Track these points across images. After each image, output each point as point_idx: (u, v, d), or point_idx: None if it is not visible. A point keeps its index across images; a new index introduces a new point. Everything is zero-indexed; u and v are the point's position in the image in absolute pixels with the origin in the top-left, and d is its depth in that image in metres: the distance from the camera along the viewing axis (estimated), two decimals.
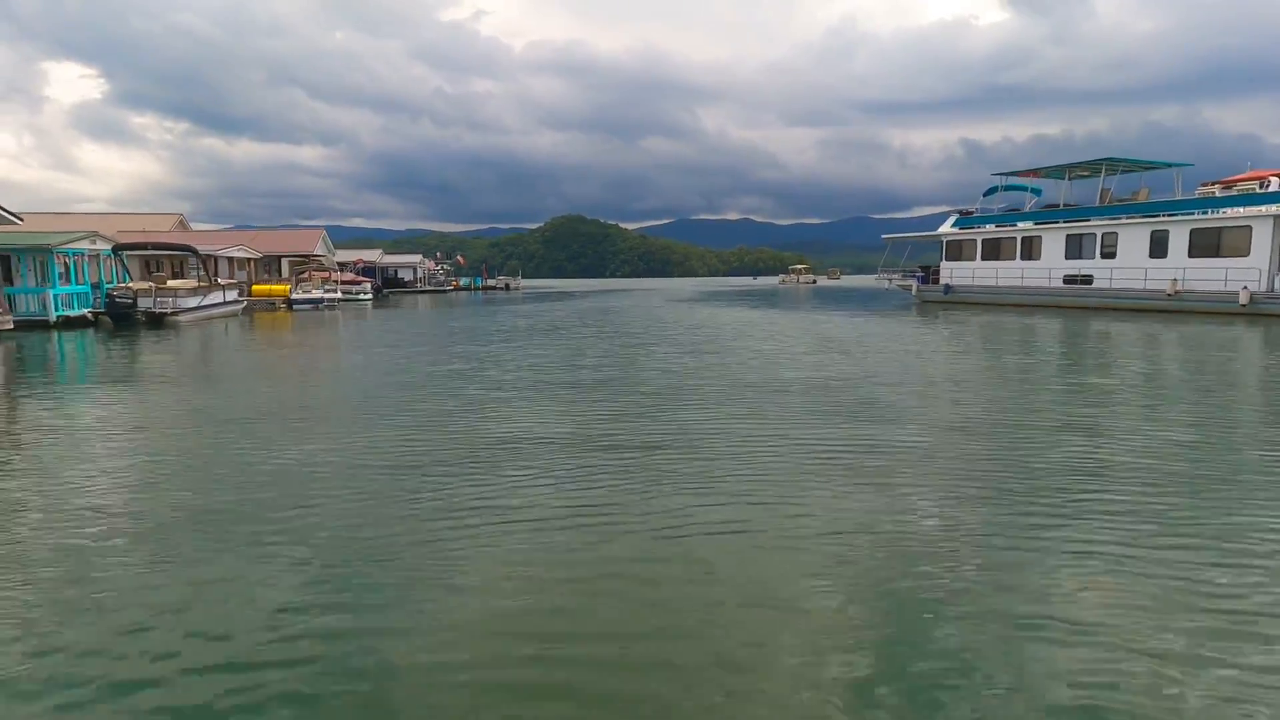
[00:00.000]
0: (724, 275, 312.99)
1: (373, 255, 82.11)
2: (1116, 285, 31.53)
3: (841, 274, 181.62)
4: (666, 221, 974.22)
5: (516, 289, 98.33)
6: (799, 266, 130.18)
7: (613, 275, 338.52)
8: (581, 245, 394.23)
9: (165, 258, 41.06)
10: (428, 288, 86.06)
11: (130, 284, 28.66)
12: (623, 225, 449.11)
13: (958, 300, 39.53)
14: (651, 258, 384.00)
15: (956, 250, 40.44)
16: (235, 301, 34.87)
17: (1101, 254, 32.58)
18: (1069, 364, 15.59)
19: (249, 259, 47.34)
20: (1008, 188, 40.32)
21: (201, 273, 33.15)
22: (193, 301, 29.73)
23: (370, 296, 58.00)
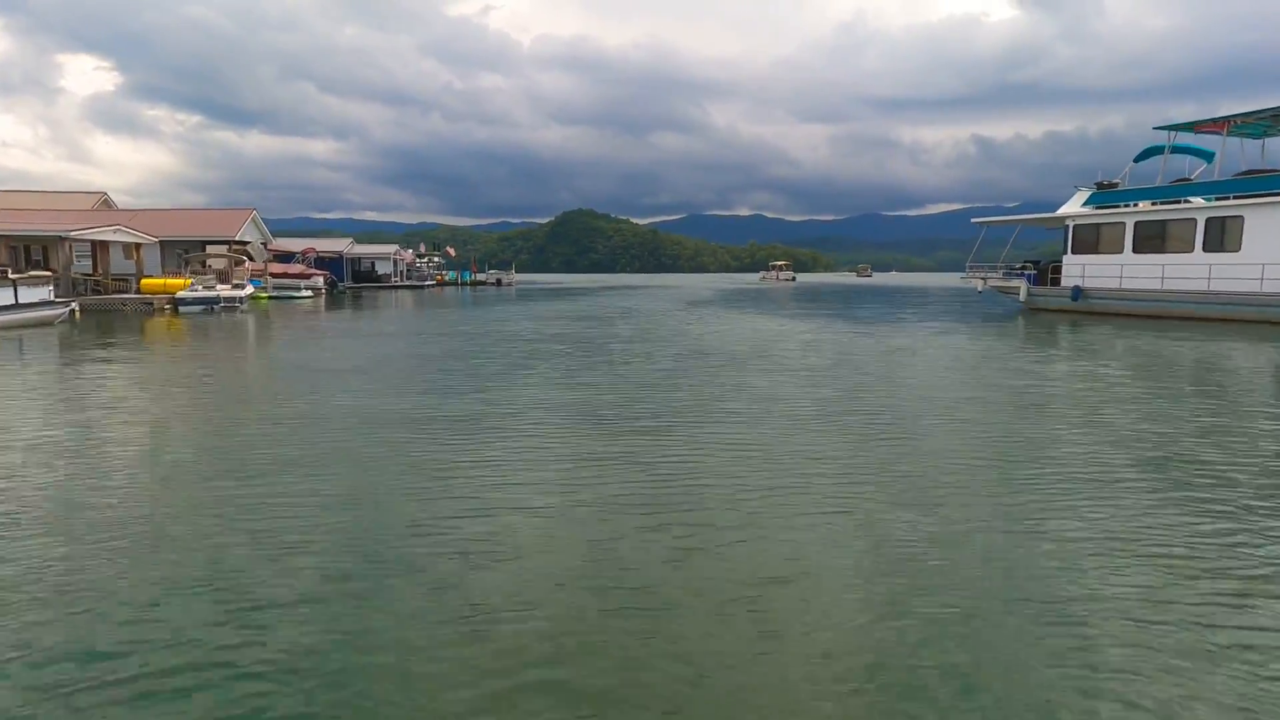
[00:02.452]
0: (736, 271, 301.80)
1: (340, 245, 71.14)
2: None
3: (871, 271, 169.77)
4: (678, 217, 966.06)
5: (509, 285, 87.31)
6: (779, 263, 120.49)
7: (623, 270, 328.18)
8: (591, 240, 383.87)
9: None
10: (405, 283, 75.02)
11: None
12: (634, 220, 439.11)
13: (1093, 309, 27.97)
14: (662, 253, 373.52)
15: (1091, 238, 28.80)
16: (41, 305, 23.49)
17: None
18: None
19: (135, 244, 36.17)
20: (1179, 149, 28.46)
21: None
22: None
23: (312, 294, 46.96)
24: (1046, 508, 5.45)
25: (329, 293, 54.15)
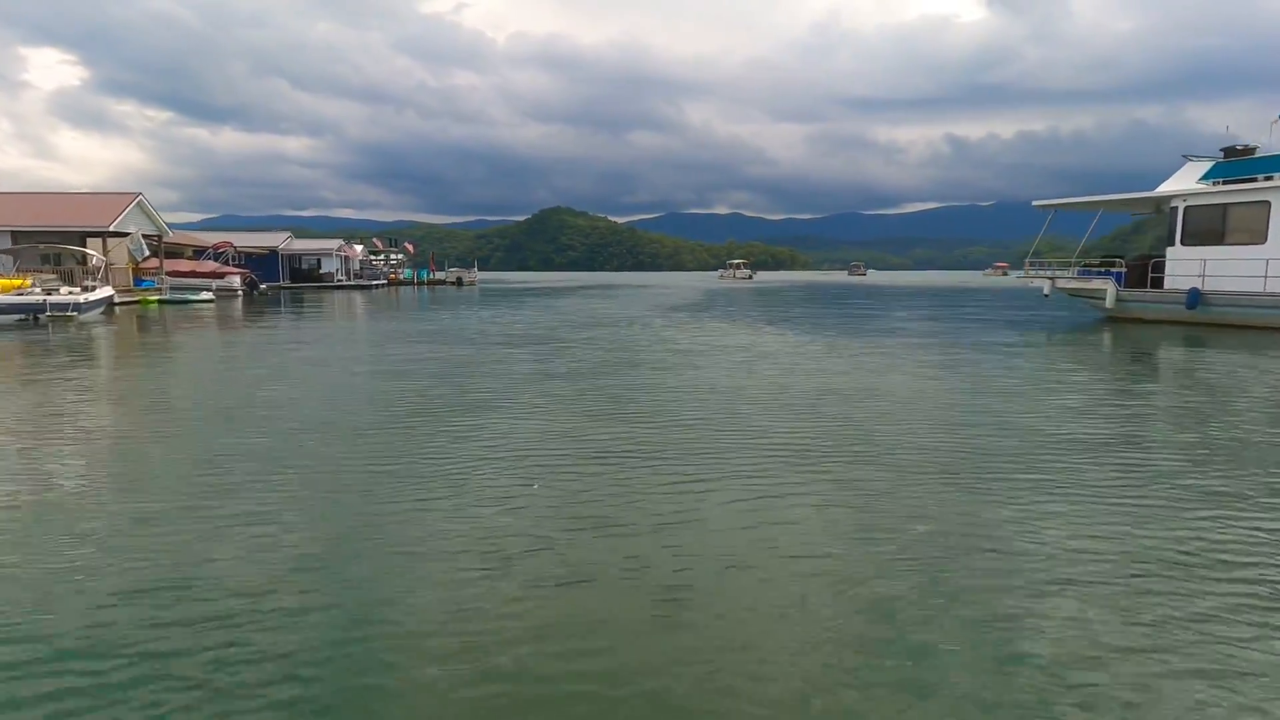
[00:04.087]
0: (715, 269, 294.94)
1: (275, 240, 62.69)
2: None
3: (866, 269, 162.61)
4: (657, 215, 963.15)
5: (471, 284, 79.05)
6: (736, 261, 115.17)
7: (602, 268, 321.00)
8: (569, 238, 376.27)
9: None
10: (351, 282, 66.68)
11: None
12: (611, 218, 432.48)
13: (1217, 320, 20.73)
14: (641, 251, 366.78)
15: (1213, 223, 21.53)
16: None
17: None
18: None
19: None
20: None
21: None
22: None
23: (213, 297, 38.75)
24: None
25: (248, 294, 45.96)
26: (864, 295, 49.85)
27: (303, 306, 36.11)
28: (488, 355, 14.93)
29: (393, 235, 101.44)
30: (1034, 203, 26.65)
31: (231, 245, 50.34)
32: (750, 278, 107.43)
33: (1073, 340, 18.49)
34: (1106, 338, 18.91)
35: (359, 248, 74.06)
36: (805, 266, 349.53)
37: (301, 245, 65.38)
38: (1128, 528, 4.88)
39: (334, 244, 67.08)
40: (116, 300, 34.11)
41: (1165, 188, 22.84)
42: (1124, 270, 23.99)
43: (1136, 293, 23.28)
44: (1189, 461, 6.58)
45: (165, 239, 40.82)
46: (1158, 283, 22.92)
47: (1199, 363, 13.87)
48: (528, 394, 10.12)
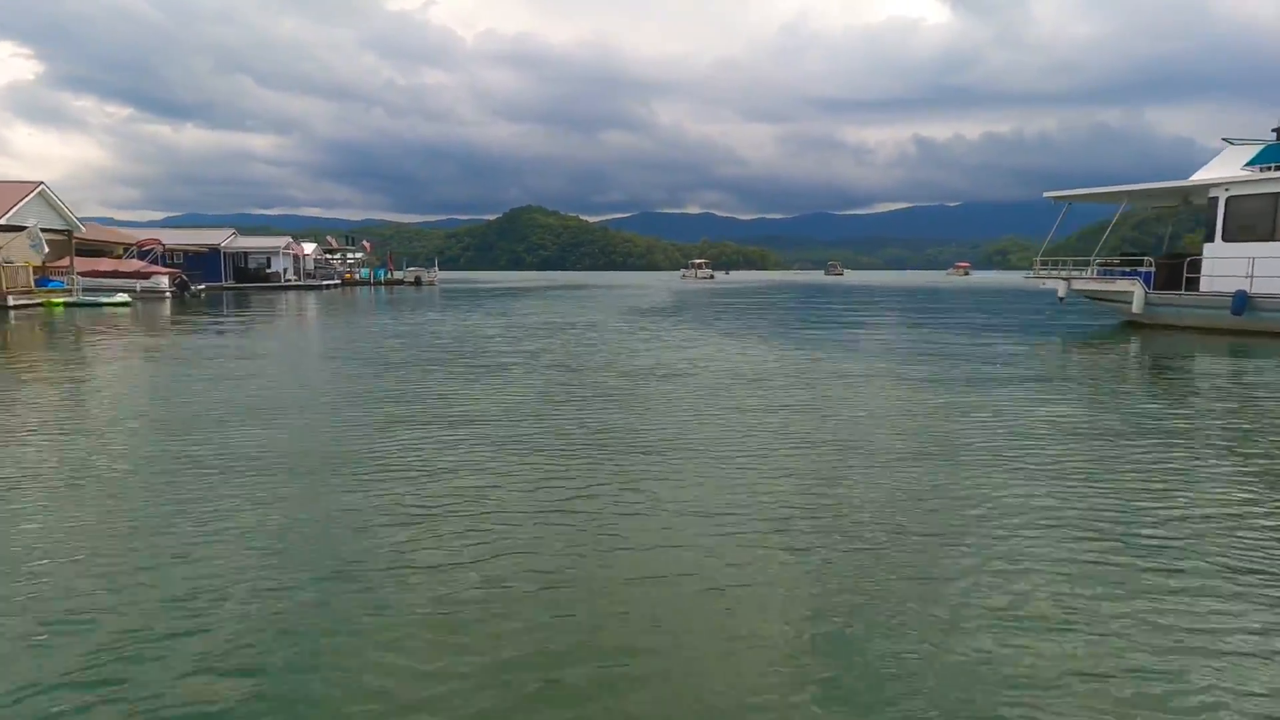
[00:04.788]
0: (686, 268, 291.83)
1: (217, 237, 58.29)
2: None
3: (843, 269, 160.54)
4: (629, 215, 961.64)
5: (430, 284, 75.06)
6: (698, 261, 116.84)
7: (574, 268, 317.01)
8: (540, 237, 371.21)
9: None
10: (301, 282, 62.44)
11: None
12: (583, 217, 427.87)
13: (1269, 328, 17.92)
14: (614, 251, 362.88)
15: (1262, 217, 18.66)
16: None
17: None
18: None
19: None
20: None
21: None
22: None
23: (129, 300, 34.63)
24: None
25: (178, 296, 41.82)
26: (853, 300, 46.99)
27: (235, 309, 32.28)
28: (406, 379, 11.50)
29: (352, 234, 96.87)
30: (1045, 194, 23.71)
31: (160, 243, 46.05)
32: (711, 277, 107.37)
33: (1100, 351, 15.48)
34: (1136, 348, 15.97)
35: (311, 246, 69.76)
36: (777, 266, 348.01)
37: (246, 243, 60.95)
38: None
39: (281, 241, 62.71)
40: (13, 304, 30.19)
41: (1203, 175, 20.01)
42: (1152, 270, 21.14)
43: (1169, 296, 20.42)
44: None
45: (76, 235, 36.61)
46: (1192, 284, 20.09)
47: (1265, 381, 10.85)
48: (429, 443, 6.75)
